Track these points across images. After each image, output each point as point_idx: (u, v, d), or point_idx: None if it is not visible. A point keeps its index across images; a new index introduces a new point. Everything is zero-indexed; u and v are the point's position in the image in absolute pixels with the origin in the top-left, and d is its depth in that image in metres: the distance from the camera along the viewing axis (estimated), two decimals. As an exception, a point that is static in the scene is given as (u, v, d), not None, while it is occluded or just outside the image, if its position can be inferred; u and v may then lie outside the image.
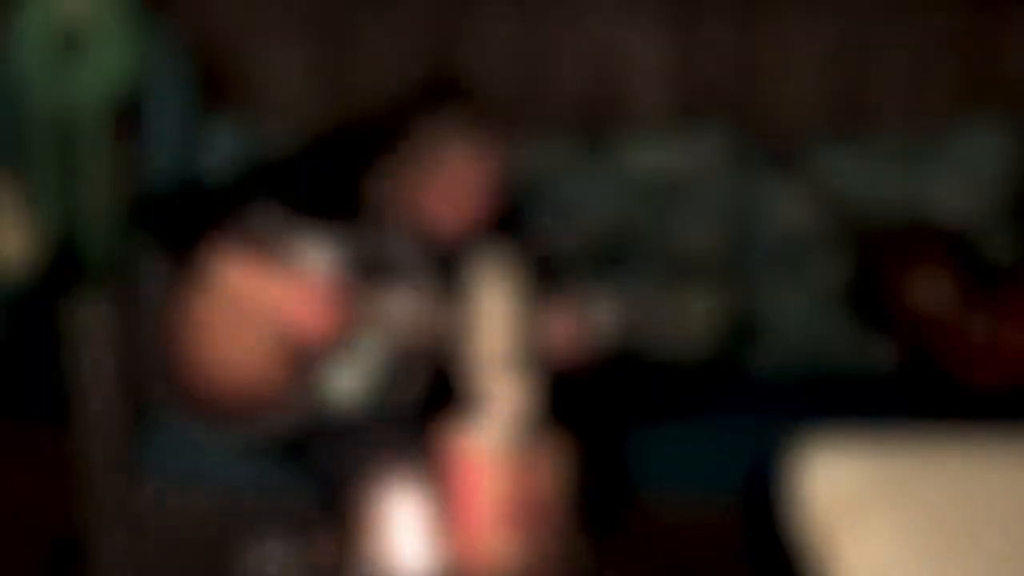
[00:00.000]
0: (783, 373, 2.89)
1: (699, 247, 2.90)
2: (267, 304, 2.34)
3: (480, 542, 1.82)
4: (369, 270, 2.36)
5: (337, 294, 2.33)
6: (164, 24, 3.01)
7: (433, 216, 2.42)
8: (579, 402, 2.39)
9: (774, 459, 2.56)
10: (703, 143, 2.94)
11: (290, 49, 3.11)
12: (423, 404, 2.32)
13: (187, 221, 2.37)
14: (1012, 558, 1.89)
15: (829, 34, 3.09)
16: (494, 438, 1.83)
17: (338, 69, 3.12)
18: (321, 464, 2.34)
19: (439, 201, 2.40)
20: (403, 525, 1.70)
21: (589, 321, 2.30)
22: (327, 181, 2.42)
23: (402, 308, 2.31)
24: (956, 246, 2.81)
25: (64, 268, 3.11)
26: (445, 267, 2.46)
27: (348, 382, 2.34)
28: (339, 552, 1.87)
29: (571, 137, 2.97)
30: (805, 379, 2.87)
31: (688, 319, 2.31)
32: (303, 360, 2.36)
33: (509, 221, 2.82)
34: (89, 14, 2.85)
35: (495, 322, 1.86)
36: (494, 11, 3.08)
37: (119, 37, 2.87)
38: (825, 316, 2.88)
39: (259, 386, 2.37)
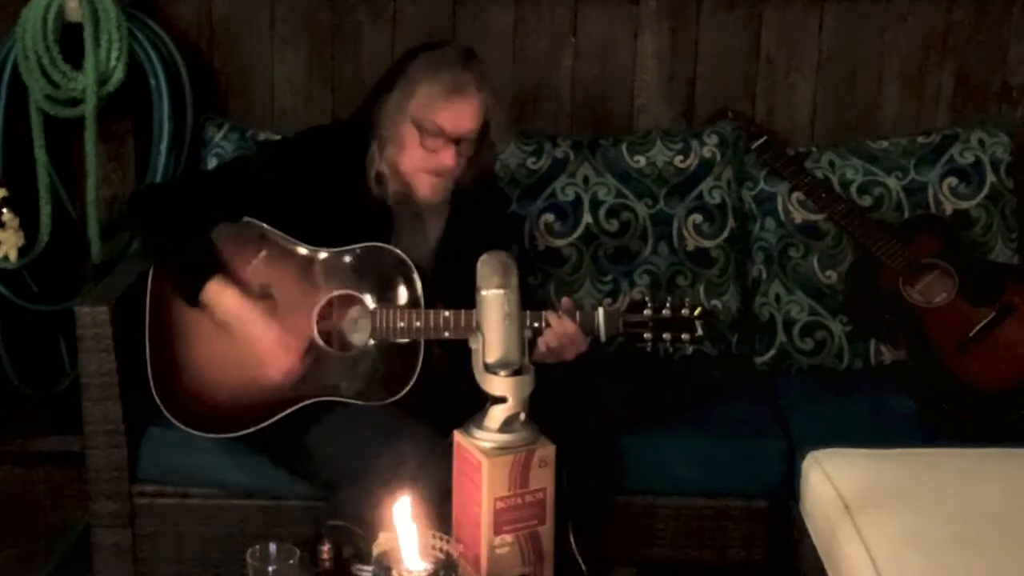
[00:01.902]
0: (783, 372, 2.89)
1: (699, 247, 2.89)
2: (243, 336, 2.32)
3: (479, 542, 1.82)
4: (367, 268, 2.36)
5: (305, 349, 2.31)
6: (162, 24, 3.01)
7: (421, 183, 2.37)
8: (578, 402, 2.38)
9: (775, 459, 2.56)
10: (704, 143, 2.93)
11: (289, 49, 3.11)
12: (422, 403, 2.32)
13: (185, 219, 2.36)
14: (1011, 558, 1.89)
15: (830, 34, 3.09)
16: (493, 438, 1.82)
17: (337, 70, 3.11)
18: (320, 463, 2.33)
19: (427, 164, 2.34)
20: (402, 525, 1.69)
21: (588, 321, 2.29)
22: (322, 175, 2.41)
23: (398, 308, 2.31)
24: (956, 245, 2.81)
25: (64, 268, 3.10)
26: (442, 265, 2.46)
27: (345, 380, 2.34)
28: (339, 553, 1.87)
29: (571, 137, 2.97)
30: (805, 377, 2.86)
31: (688, 318, 2.30)
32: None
33: (512, 220, 2.82)
34: (88, 14, 2.84)
35: (494, 322, 1.85)
36: (494, 11, 3.08)
37: (117, 37, 2.87)
38: (825, 315, 2.87)
39: (254, 386, 2.36)
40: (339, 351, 2.34)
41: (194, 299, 2.31)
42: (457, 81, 2.32)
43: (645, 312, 2.30)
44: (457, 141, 2.34)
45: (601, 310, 2.30)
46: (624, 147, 2.94)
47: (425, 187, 2.38)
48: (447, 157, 2.34)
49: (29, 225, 2.99)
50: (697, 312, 2.30)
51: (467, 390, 1.89)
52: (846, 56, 3.10)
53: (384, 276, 2.34)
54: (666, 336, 2.30)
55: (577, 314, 2.29)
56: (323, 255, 2.36)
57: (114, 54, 2.88)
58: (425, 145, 2.34)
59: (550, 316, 2.27)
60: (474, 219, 2.48)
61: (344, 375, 2.33)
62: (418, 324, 2.29)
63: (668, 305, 2.31)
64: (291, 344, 2.30)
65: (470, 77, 2.34)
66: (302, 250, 2.37)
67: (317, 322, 2.34)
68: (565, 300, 2.34)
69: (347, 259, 2.36)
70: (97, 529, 2.52)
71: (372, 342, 2.32)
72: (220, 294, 2.30)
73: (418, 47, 2.41)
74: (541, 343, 2.27)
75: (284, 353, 2.29)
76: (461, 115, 2.33)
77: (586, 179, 2.90)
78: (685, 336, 2.30)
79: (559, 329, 2.26)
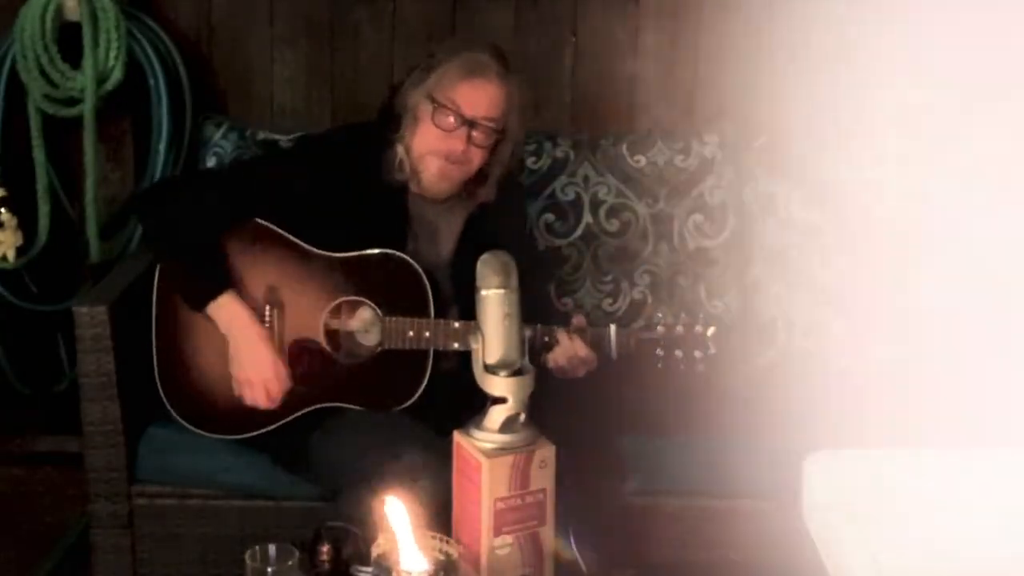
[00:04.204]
0: (784, 372, 2.88)
1: (700, 247, 2.89)
2: (237, 355, 2.31)
3: (479, 543, 1.81)
4: (378, 275, 2.34)
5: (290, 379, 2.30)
6: (161, 24, 3.01)
7: (435, 174, 2.34)
8: (578, 402, 2.38)
9: (776, 460, 2.55)
10: (704, 142, 2.93)
11: (288, 49, 3.11)
12: (423, 404, 2.31)
13: (196, 225, 2.34)
14: (1011, 558, 1.89)
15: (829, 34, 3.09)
16: (493, 439, 1.82)
17: (337, 70, 3.11)
18: (323, 467, 2.32)
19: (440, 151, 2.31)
20: (402, 525, 1.69)
21: (600, 339, 2.28)
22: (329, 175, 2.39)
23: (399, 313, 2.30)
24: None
25: (62, 268, 3.10)
26: (457, 277, 2.45)
27: (352, 386, 2.33)
28: (338, 554, 1.86)
29: (571, 137, 2.97)
30: (804, 377, 2.86)
31: (702, 336, 2.29)
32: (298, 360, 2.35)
33: (510, 220, 2.81)
34: (86, 14, 2.84)
35: (494, 322, 1.85)
36: (494, 11, 3.08)
37: (116, 37, 2.86)
38: (825, 315, 2.87)
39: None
40: (347, 357, 2.33)
41: (199, 310, 2.31)
42: (479, 63, 2.30)
43: (658, 329, 2.29)
44: (471, 125, 2.30)
45: (613, 328, 2.29)
46: (624, 147, 2.93)
47: (432, 170, 2.34)
48: (458, 141, 2.30)
49: (28, 225, 2.99)
50: (711, 330, 2.28)
51: (469, 391, 1.88)
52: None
53: (395, 284, 2.32)
54: (678, 353, 2.29)
55: (588, 332, 2.28)
56: (334, 259, 2.34)
57: (112, 53, 2.87)
58: (438, 123, 2.30)
59: (560, 335, 2.26)
60: (494, 235, 2.44)
61: (351, 381, 2.32)
62: (427, 333, 2.27)
63: (681, 322, 2.30)
64: (283, 375, 2.29)
65: (493, 64, 2.31)
66: (313, 254, 2.35)
67: (325, 326, 2.33)
68: (577, 319, 2.32)
69: (358, 264, 2.33)
70: (96, 530, 2.51)
71: (380, 349, 2.30)
72: (224, 313, 2.29)
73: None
74: (550, 360, 2.26)
75: (274, 382, 2.28)
76: (477, 96, 2.29)
77: (586, 179, 2.90)
78: (698, 354, 2.29)
79: (569, 350, 2.25)
